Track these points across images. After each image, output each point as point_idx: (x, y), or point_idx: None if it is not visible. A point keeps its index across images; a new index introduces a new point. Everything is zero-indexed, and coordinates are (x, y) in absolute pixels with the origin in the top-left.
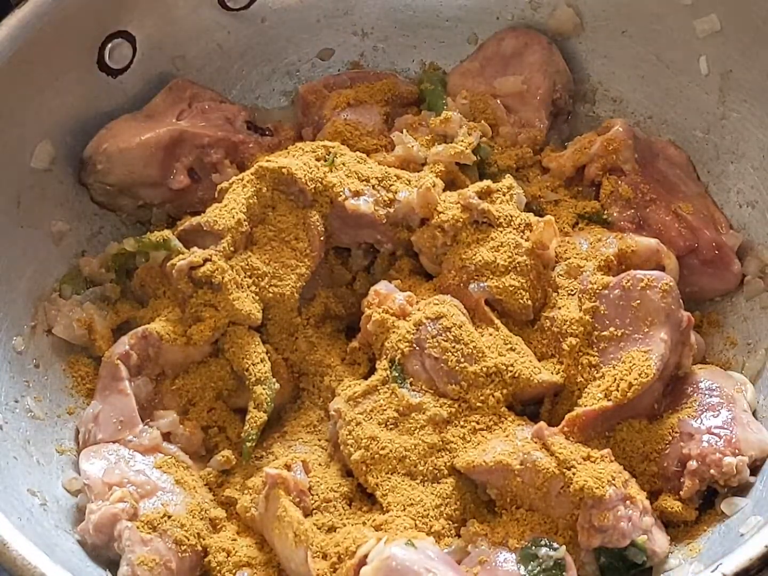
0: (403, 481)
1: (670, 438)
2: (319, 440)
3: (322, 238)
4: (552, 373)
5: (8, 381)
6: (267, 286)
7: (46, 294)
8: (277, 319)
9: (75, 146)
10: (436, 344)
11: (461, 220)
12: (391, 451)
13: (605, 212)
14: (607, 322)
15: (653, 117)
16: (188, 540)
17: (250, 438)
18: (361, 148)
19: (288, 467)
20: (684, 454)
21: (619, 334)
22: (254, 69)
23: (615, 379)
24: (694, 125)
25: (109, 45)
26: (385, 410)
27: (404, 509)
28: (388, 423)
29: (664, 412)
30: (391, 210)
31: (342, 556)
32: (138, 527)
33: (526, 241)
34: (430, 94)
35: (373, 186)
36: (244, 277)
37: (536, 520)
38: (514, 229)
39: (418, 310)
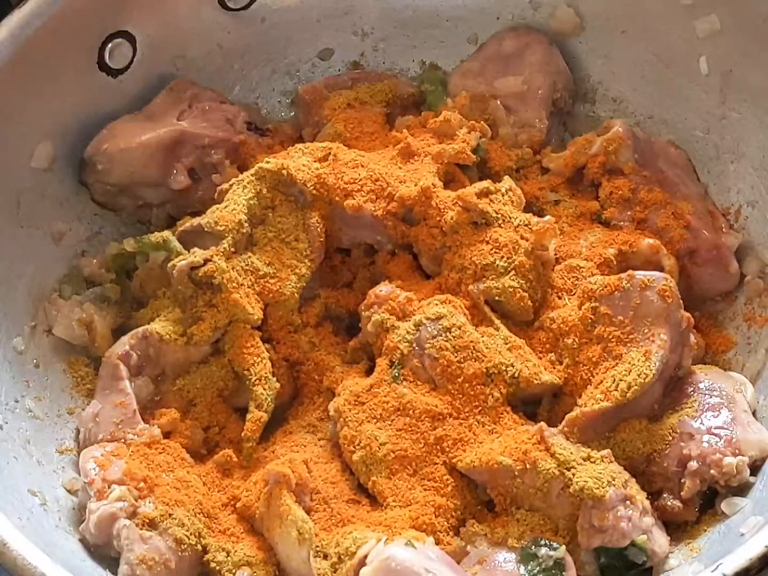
0: (403, 480)
1: (671, 438)
2: (319, 440)
3: (322, 239)
4: (552, 373)
5: (8, 381)
6: (267, 287)
7: (46, 294)
8: (278, 319)
9: (75, 146)
10: (436, 344)
11: (461, 220)
12: (391, 450)
13: (605, 212)
14: (607, 322)
15: (653, 117)
16: (188, 539)
17: (250, 438)
18: (361, 149)
19: (289, 466)
20: (684, 454)
21: (619, 334)
22: (254, 69)
23: (615, 380)
24: (694, 125)
25: (109, 45)
26: (385, 410)
27: (404, 509)
28: (388, 423)
29: (664, 412)
30: (391, 211)
31: (342, 556)
32: (137, 525)
33: (525, 241)
34: (430, 95)
35: (372, 187)
36: (245, 278)
37: (536, 521)
38: (513, 229)
39: (419, 309)
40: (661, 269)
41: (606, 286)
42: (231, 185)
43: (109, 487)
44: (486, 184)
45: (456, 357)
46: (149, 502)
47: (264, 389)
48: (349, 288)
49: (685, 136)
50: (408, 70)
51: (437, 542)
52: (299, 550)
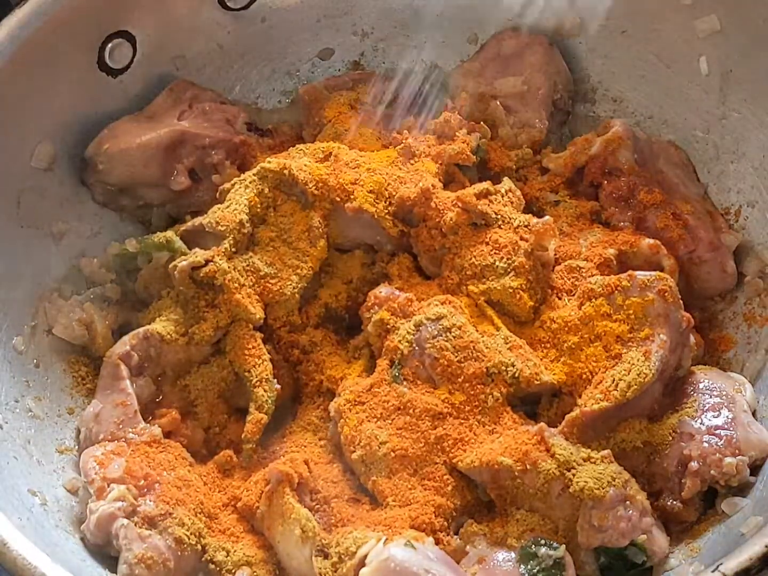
0: (403, 480)
1: (671, 438)
2: (320, 439)
3: (323, 239)
4: (552, 373)
5: (8, 381)
6: (268, 287)
7: (46, 294)
8: (278, 319)
9: (75, 146)
10: (437, 344)
11: (460, 221)
12: (391, 450)
13: (605, 212)
14: (607, 322)
15: (653, 117)
16: (188, 539)
17: (250, 439)
18: (362, 149)
19: (291, 466)
20: (684, 454)
21: (619, 334)
22: (254, 69)
23: (614, 380)
24: (694, 125)
25: (109, 45)
26: (386, 410)
27: (404, 509)
28: (388, 422)
29: (665, 412)
30: (391, 211)
31: (342, 556)
32: (137, 524)
33: (525, 242)
34: (430, 96)
35: (373, 188)
36: (246, 278)
37: (536, 521)
38: (513, 230)
39: (419, 310)
40: (661, 269)
41: (606, 286)
42: (233, 184)
43: (108, 486)
44: (486, 185)
45: (456, 357)
46: (149, 501)
47: (264, 391)
48: (349, 288)
49: (685, 136)
50: (408, 71)
51: (437, 542)
52: (301, 549)
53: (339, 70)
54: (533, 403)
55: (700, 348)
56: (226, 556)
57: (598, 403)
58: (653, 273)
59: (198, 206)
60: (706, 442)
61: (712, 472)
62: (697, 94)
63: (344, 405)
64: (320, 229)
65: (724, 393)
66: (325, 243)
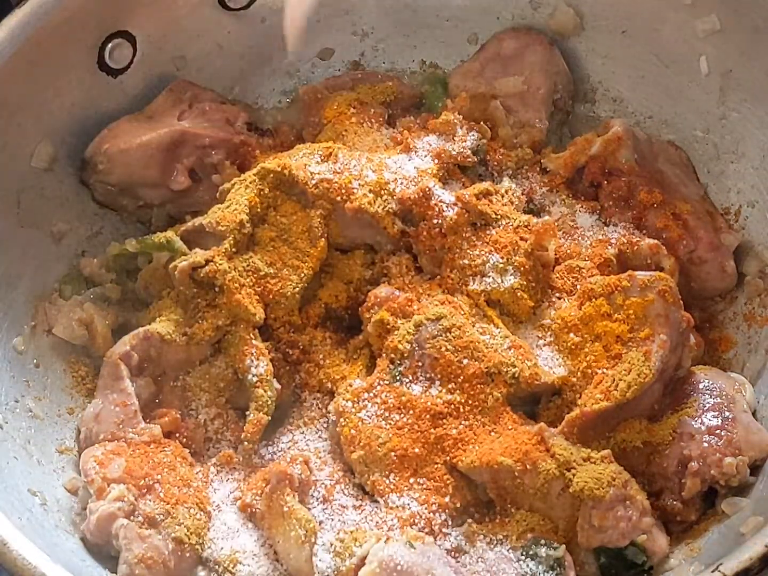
0: (403, 480)
1: (671, 438)
2: (320, 439)
3: (323, 239)
4: (552, 373)
5: (8, 381)
6: (268, 287)
7: (46, 294)
8: (279, 319)
9: (75, 146)
10: (436, 344)
11: (460, 221)
12: (391, 450)
13: (605, 213)
14: (607, 322)
15: (653, 117)
16: (189, 538)
17: (250, 439)
18: (362, 149)
19: (290, 466)
20: (684, 454)
21: (619, 334)
22: (254, 69)
23: (614, 380)
24: (694, 125)
25: (109, 45)
26: (386, 410)
27: (404, 508)
28: (388, 422)
29: (665, 412)
30: (391, 211)
31: (342, 556)
32: (137, 524)
33: (524, 242)
34: (430, 96)
35: (373, 187)
36: (246, 278)
37: (536, 521)
38: (513, 230)
39: (419, 310)
40: (661, 269)
41: (606, 286)
42: (233, 184)
43: (108, 486)
44: (486, 185)
45: (456, 357)
46: (149, 501)
47: (264, 391)
48: (349, 288)
49: (685, 136)
50: (408, 70)
51: (437, 542)
52: (301, 549)
53: (339, 70)
54: (533, 403)
55: (700, 348)
56: (227, 556)
57: (598, 403)
58: (653, 273)
59: (198, 206)
60: (706, 442)
61: (712, 472)
62: (697, 94)
63: (344, 405)
64: (320, 229)
65: (724, 393)
66: (325, 243)
